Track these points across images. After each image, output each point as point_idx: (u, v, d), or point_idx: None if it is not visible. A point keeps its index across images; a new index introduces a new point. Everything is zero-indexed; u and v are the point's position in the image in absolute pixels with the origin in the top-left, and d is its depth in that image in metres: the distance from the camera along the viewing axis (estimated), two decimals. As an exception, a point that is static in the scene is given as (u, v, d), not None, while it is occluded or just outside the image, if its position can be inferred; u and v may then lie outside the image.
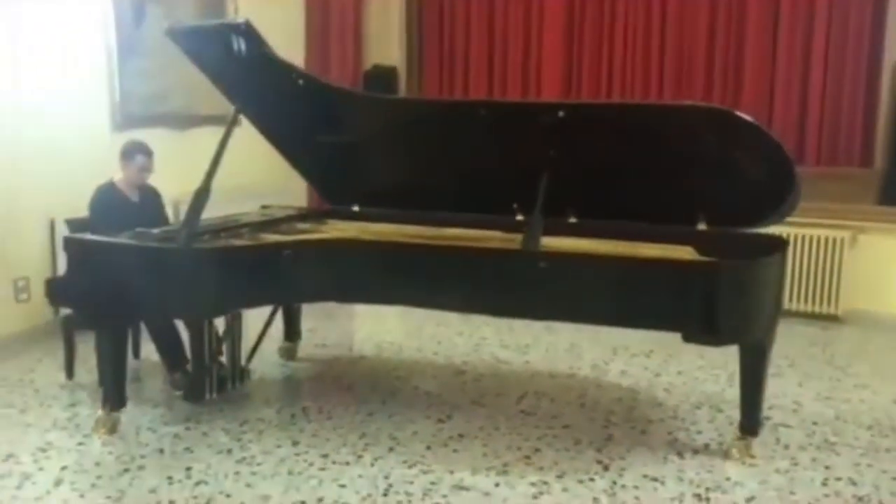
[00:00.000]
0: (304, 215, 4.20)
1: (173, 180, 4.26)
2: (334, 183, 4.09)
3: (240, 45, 3.25)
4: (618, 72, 6.08)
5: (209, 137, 3.93)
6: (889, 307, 5.13)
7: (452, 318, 5.05)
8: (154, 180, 3.98)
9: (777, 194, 3.21)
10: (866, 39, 5.39)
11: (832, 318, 5.24)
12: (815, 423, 3.61)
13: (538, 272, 3.06)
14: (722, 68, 5.79)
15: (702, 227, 3.45)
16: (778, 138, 3.12)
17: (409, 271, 3.31)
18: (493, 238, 3.63)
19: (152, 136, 4.19)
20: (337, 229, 3.88)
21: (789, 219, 3.48)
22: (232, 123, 3.38)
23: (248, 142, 3.83)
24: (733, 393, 3.48)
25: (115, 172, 3.87)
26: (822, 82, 5.51)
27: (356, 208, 4.16)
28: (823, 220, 5.18)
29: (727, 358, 3.87)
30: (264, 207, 4.35)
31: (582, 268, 3.08)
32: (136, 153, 3.79)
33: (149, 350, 4.02)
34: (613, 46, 6.08)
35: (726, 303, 2.95)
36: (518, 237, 3.33)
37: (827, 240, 5.20)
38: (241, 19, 3.26)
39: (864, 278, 5.16)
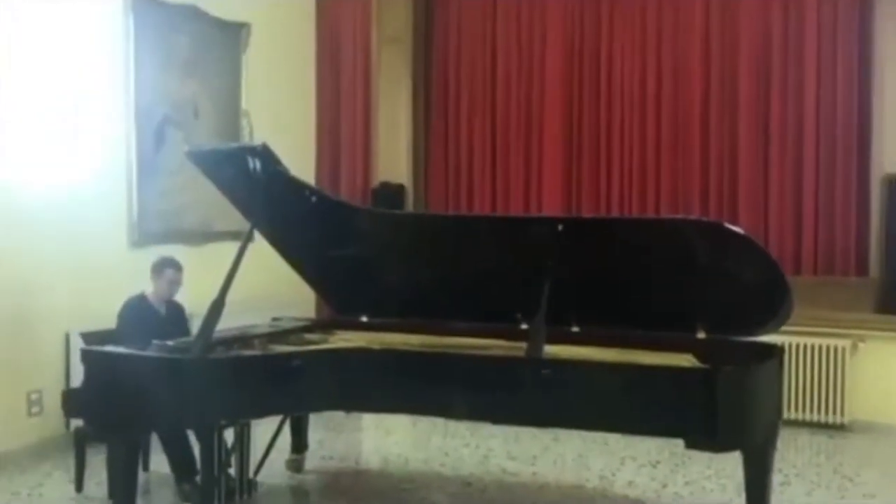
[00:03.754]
0: (312, 326, 4.31)
1: (189, 294, 4.40)
2: (344, 294, 4.22)
3: (256, 165, 3.46)
4: (616, 186, 6.32)
5: (223, 252, 4.11)
6: (893, 416, 5.14)
7: (460, 429, 5.08)
8: (171, 294, 4.13)
9: (771, 303, 3.33)
10: (854, 152, 5.64)
11: (838, 427, 5.24)
12: (824, 532, 3.59)
13: (542, 379, 3.14)
14: (717, 183, 6.03)
15: (701, 335, 3.55)
16: (767, 250, 3.27)
17: (415, 379, 3.39)
18: (497, 346, 3.73)
19: (169, 252, 4.35)
20: (345, 339, 3.99)
21: (791, 327, 3.57)
22: (247, 239, 3.53)
23: (258, 256, 3.98)
24: (741, 503, 3.48)
25: (133, 287, 4.01)
26: (814, 194, 5.72)
27: (364, 318, 4.27)
28: (824, 328, 5.26)
29: (735, 467, 3.87)
30: (275, 319, 4.46)
31: (585, 375, 3.17)
32: (166, 267, 3.96)
33: (158, 462, 4.06)
34: (611, 162, 6.34)
35: (725, 408, 3.01)
36: (522, 345, 3.43)
37: (829, 348, 5.26)
38: (258, 142, 3.48)
39: (868, 387, 5.20)
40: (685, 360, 3.42)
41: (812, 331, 5.20)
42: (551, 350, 3.37)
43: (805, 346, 5.29)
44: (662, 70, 6.18)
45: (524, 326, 3.68)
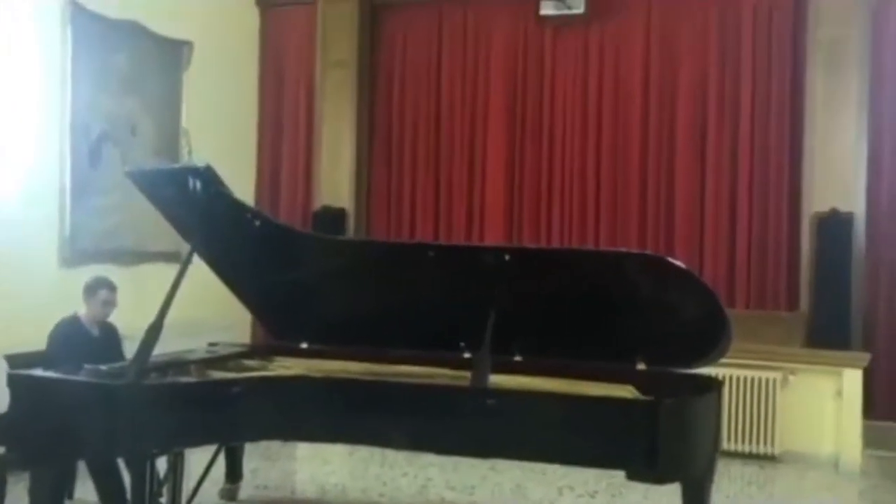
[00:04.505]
0: (251, 352, 4.22)
1: (122, 316, 4.26)
2: (284, 320, 4.14)
3: (200, 187, 3.38)
4: (556, 217, 6.39)
5: (158, 273, 4.00)
6: (822, 446, 5.29)
7: (398, 458, 5.02)
8: (101, 315, 3.99)
9: (711, 337, 3.39)
10: (786, 192, 5.83)
11: (769, 458, 5.35)
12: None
13: (486, 409, 3.13)
14: (654, 217, 6.16)
15: (641, 366, 3.59)
16: (709, 285, 3.33)
17: (357, 408, 3.34)
18: (440, 375, 3.70)
19: (102, 272, 4.21)
20: (284, 366, 3.91)
21: (724, 360, 3.64)
22: (187, 262, 3.44)
23: (193, 278, 3.86)
24: (677, 532, 3.51)
25: (65, 308, 3.86)
26: (748, 230, 5.89)
27: (304, 345, 4.20)
28: (756, 361, 5.39)
29: (672, 498, 3.91)
30: (211, 345, 4.35)
31: (529, 405, 3.16)
32: (100, 288, 3.83)
33: (84, 490, 3.90)
34: (552, 193, 6.42)
35: (666, 440, 3.04)
36: (465, 374, 3.42)
37: (760, 380, 5.40)
38: (202, 163, 3.41)
39: (798, 418, 5.34)
40: (626, 392, 3.45)
41: (745, 363, 5.32)
42: (495, 380, 3.36)
43: (738, 379, 5.41)
44: (603, 106, 6.31)
45: (467, 355, 3.67)
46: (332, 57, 6.87)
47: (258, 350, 4.29)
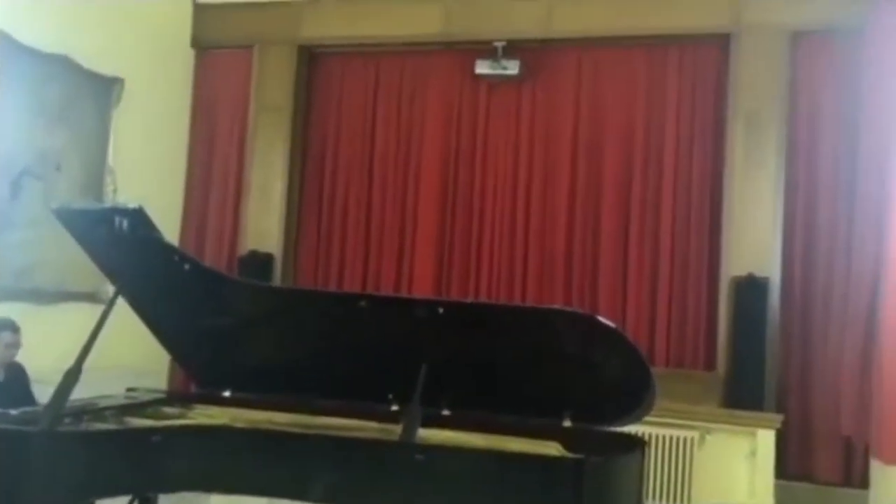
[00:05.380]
0: (171, 399, 4.09)
1: (36, 357, 4.10)
2: (208, 367, 4.03)
3: (129, 228, 3.30)
4: (485, 272, 6.46)
5: (77, 314, 3.87)
6: (737, 504, 5.42)
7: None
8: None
9: (635, 395, 3.46)
10: (705, 256, 6.04)
11: (685, 516, 5.46)
12: None
13: (414, 464, 3.10)
14: (580, 276, 6.30)
15: (567, 423, 3.63)
16: (634, 343, 3.41)
17: (281, 460, 3.27)
18: (367, 428, 3.66)
19: (15, 310, 4.06)
20: (206, 415, 3.80)
21: (645, 418, 3.71)
22: (111, 304, 3.35)
23: (111, 320, 3.76)
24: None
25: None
26: (668, 292, 6.07)
27: (228, 393, 4.09)
28: (674, 420, 5.50)
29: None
30: (129, 390, 4.20)
31: (458, 461, 3.14)
32: (2, 330, 3.68)
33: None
34: (482, 248, 6.50)
35: (591, 499, 3.07)
36: (392, 427, 3.39)
37: (678, 439, 5.51)
38: (133, 204, 3.33)
39: (713, 477, 5.45)
40: (552, 449, 3.47)
41: (663, 421, 5.41)
42: (422, 434, 3.35)
43: (657, 437, 5.51)
44: (534, 165, 6.47)
45: (395, 408, 3.64)
46: (266, 101, 6.87)
47: (179, 397, 4.16)
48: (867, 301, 4.85)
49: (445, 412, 3.73)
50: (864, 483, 5.39)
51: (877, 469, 5.11)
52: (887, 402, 4.37)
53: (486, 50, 6.38)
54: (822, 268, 5.74)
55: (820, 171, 5.81)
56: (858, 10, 5.42)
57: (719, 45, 6.10)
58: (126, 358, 5.07)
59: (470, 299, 6.15)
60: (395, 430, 3.36)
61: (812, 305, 5.75)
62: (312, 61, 7.03)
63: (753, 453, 5.40)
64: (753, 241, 5.77)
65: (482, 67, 6.38)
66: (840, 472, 5.58)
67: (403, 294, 6.36)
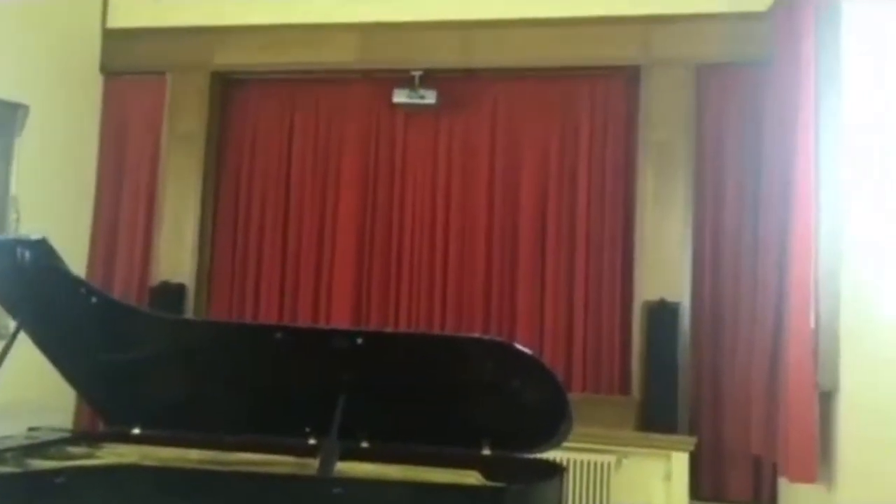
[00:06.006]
0: (77, 438, 3.92)
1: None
2: (117, 403, 3.88)
3: (32, 259, 3.17)
4: (404, 301, 6.44)
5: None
6: (652, 528, 5.51)
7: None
8: None
9: (553, 422, 3.50)
10: (619, 282, 6.17)
11: (603, 540, 5.51)
12: None
13: (333, 498, 3.05)
14: (498, 304, 6.34)
15: (486, 451, 3.63)
16: (552, 370, 3.45)
17: (194, 499, 3.16)
18: (284, 462, 3.58)
19: None
20: (115, 454, 3.66)
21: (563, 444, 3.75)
22: (12, 339, 3.21)
23: (11, 356, 3.59)
24: None
25: None
26: (584, 318, 6.16)
27: (137, 430, 3.95)
28: (591, 444, 5.56)
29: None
30: (31, 429, 4.01)
31: (377, 493, 3.12)
32: None
33: None
34: (401, 278, 6.48)
35: (512, 527, 3.07)
36: (310, 461, 3.32)
37: (595, 464, 5.57)
38: (37, 235, 3.21)
39: (630, 501, 5.53)
40: (472, 478, 3.47)
41: (580, 446, 5.45)
42: (342, 466, 3.29)
43: (574, 462, 5.56)
44: (451, 194, 6.49)
45: (313, 441, 3.58)
46: (178, 129, 6.73)
47: (85, 436, 4.00)
48: (772, 324, 5.03)
49: (364, 444, 3.69)
50: (772, 501, 5.57)
51: (784, 487, 5.29)
52: (792, 422, 4.52)
53: (403, 79, 6.41)
54: (729, 292, 5.93)
55: (726, 199, 6.03)
56: (761, 43, 5.67)
57: (629, 77, 6.29)
58: (28, 395, 4.85)
59: (388, 329, 6.12)
60: (312, 465, 3.31)
61: (721, 328, 5.93)
62: (227, 89, 6.94)
63: (668, 476, 5.51)
64: (664, 267, 5.93)
65: (399, 96, 6.41)
66: (750, 490, 5.74)
67: (321, 325, 6.28)
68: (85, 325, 3.56)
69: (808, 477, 4.47)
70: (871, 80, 4.58)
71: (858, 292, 4.37)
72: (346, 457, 3.43)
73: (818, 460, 4.46)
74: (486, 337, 5.22)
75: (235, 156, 6.89)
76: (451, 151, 6.55)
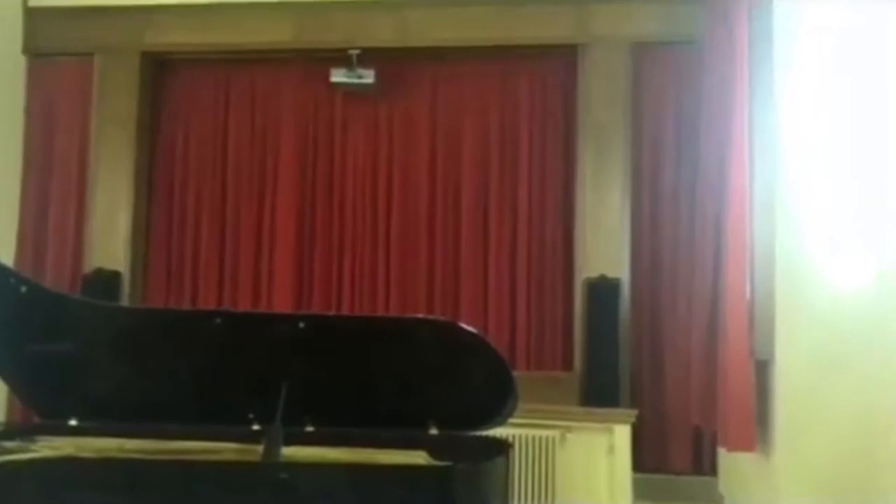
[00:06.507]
0: (9, 432, 3.80)
1: None
2: (52, 395, 3.75)
3: (-45, 249, 3.04)
4: (347, 284, 6.40)
5: None
6: (598, 499, 5.57)
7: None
8: None
9: (498, 399, 3.50)
10: (560, 260, 6.25)
11: (549, 514, 5.58)
12: None
13: (279, 484, 3.01)
14: (441, 284, 6.37)
15: (433, 431, 3.63)
16: (496, 348, 3.46)
17: (133, 489, 3.09)
18: (227, 449, 3.52)
19: None
20: (50, 446, 3.55)
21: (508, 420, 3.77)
22: (-63, 333, 3.07)
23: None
24: None
25: None
26: (526, 296, 6.23)
27: (73, 422, 3.84)
28: (535, 420, 5.61)
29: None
30: (-39, 425, 3.88)
31: (324, 476, 3.08)
32: None
33: None
34: (343, 260, 6.45)
35: (461, 504, 3.08)
36: (254, 447, 3.27)
37: (539, 439, 5.63)
38: (-41, 223, 3.08)
39: (575, 474, 5.61)
40: (420, 458, 3.46)
41: (525, 422, 5.50)
42: (287, 452, 3.25)
43: (519, 437, 5.61)
44: (393, 174, 6.51)
45: (256, 427, 3.52)
46: (108, 114, 6.53)
47: (19, 430, 3.87)
48: (709, 296, 5.15)
49: (309, 429, 3.65)
50: (713, 470, 5.71)
51: (723, 456, 5.41)
52: (730, 392, 4.62)
53: (340, 58, 6.33)
54: (667, 267, 6.05)
55: (664, 176, 6.13)
56: (695, 21, 5.74)
57: (567, 56, 6.31)
58: (-44, 390, 4.68)
59: (331, 312, 6.07)
60: (256, 451, 3.26)
61: (660, 302, 6.05)
62: (159, 70, 6.75)
63: (612, 449, 5.60)
64: (604, 245, 6.01)
65: (337, 76, 6.33)
66: (691, 460, 5.89)
67: (262, 310, 6.19)
68: (15, 316, 3.43)
69: (747, 445, 4.58)
70: (802, 61, 4.67)
71: (792, 264, 4.47)
72: (291, 442, 3.39)
73: (756, 429, 4.57)
74: (430, 317, 5.24)
75: (169, 139, 6.73)
76: (391, 131, 6.52)
